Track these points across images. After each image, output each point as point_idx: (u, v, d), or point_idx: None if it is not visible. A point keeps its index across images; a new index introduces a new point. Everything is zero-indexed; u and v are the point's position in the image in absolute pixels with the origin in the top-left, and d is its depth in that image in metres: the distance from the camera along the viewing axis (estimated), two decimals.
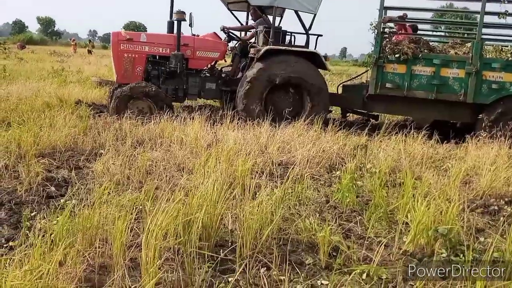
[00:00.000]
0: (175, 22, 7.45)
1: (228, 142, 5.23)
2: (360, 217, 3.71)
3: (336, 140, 5.99)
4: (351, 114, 9.11)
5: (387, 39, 7.54)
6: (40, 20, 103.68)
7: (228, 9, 8.95)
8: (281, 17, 8.81)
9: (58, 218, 2.84)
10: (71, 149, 5.08)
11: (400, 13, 7.82)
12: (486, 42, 7.67)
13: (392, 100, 7.61)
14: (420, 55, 7.27)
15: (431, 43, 7.91)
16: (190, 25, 7.47)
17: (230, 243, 3.00)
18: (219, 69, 8.50)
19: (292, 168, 4.39)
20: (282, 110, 7.47)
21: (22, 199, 3.59)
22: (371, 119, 8.63)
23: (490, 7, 7.16)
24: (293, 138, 5.88)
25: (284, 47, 7.60)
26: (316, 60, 7.70)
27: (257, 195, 3.50)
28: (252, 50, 7.77)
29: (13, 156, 4.46)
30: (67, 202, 3.27)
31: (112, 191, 3.42)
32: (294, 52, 7.59)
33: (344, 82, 9.35)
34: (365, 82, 8.48)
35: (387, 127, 6.51)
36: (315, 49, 7.88)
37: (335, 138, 6.11)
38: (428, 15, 8.17)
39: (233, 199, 3.50)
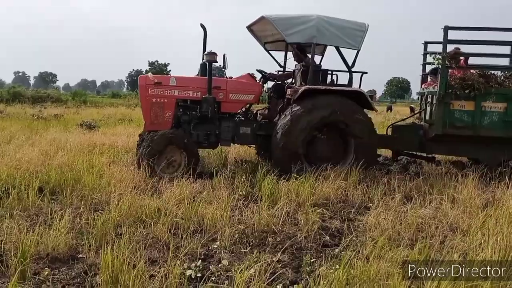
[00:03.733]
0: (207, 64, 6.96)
1: (509, 203, 4.68)
2: None
3: None
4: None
5: (452, 74, 6.99)
6: None
7: (265, 49, 8.41)
8: (322, 55, 8.08)
9: (335, 267, 3.02)
10: (342, 201, 5.40)
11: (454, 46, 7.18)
12: None
13: (456, 140, 6.99)
14: (493, 90, 6.69)
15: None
16: (224, 67, 7.01)
17: None
18: (254, 112, 7.83)
19: None
20: (325, 157, 6.62)
21: (301, 245, 3.96)
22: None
23: None
24: None
25: (324, 87, 6.73)
26: (361, 100, 6.77)
27: None
28: (288, 91, 6.91)
29: (293, 204, 5.00)
30: (342, 252, 3.46)
31: (385, 246, 3.45)
32: (335, 92, 6.71)
33: (395, 123, 8.53)
34: (416, 121, 8.08)
35: None
36: (359, 87, 6.90)
37: None
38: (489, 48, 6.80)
39: None
